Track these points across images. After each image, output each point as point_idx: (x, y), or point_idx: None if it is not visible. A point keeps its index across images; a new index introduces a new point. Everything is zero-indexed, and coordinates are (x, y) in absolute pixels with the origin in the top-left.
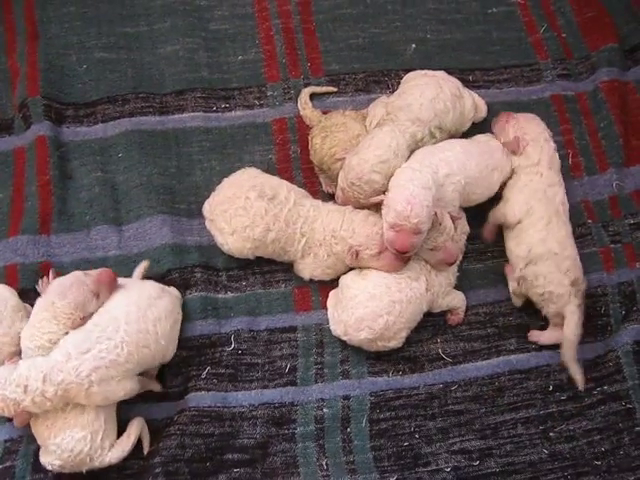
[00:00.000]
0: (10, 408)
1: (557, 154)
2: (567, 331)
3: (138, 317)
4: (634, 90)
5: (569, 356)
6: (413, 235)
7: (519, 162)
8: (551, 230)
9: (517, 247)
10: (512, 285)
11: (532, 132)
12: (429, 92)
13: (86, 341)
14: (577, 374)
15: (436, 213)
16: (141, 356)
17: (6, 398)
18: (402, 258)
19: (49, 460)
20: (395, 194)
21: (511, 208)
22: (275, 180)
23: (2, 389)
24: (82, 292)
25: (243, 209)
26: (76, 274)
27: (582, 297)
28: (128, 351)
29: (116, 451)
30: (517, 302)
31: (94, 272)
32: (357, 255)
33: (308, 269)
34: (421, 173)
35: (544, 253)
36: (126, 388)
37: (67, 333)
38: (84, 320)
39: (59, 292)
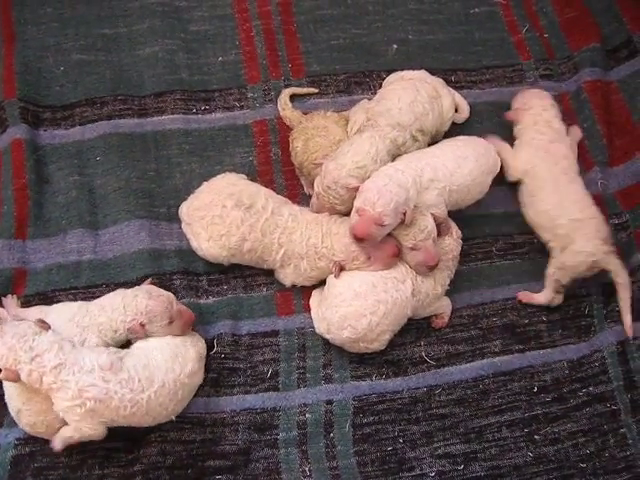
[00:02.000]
0: (8, 360)
1: (559, 120)
2: (619, 279)
3: (169, 392)
4: (617, 90)
5: (625, 300)
6: (374, 224)
7: (521, 125)
8: (562, 191)
9: (537, 216)
10: (548, 289)
11: (530, 103)
12: (406, 96)
13: (114, 374)
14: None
15: (405, 213)
16: (138, 419)
17: (13, 349)
18: (393, 253)
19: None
20: (370, 182)
21: (514, 162)
22: (254, 188)
23: (17, 340)
24: (163, 307)
25: (219, 217)
26: (170, 295)
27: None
28: (134, 412)
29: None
30: (557, 300)
31: (185, 307)
32: (342, 268)
33: (289, 278)
34: (403, 174)
35: (566, 224)
36: (97, 431)
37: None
38: (142, 329)
39: (148, 291)
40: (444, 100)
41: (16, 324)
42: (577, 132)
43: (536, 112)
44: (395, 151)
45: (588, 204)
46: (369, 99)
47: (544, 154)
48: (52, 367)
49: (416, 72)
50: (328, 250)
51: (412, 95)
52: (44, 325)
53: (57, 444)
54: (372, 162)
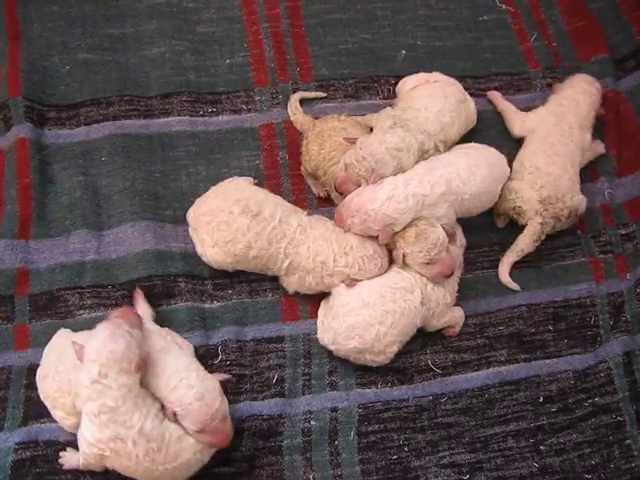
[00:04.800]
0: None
1: (590, 107)
2: (520, 240)
3: (182, 472)
4: (625, 100)
5: (506, 263)
6: (343, 221)
7: (553, 96)
8: (545, 144)
9: (516, 164)
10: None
11: (575, 82)
12: (433, 105)
13: (147, 442)
14: (509, 283)
15: (378, 237)
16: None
17: (102, 357)
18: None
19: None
20: (376, 191)
21: (521, 120)
22: (262, 195)
23: (110, 356)
24: (203, 417)
25: (225, 224)
26: (221, 410)
27: (554, 217)
28: (136, 474)
29: None
30: (498, 222)
31: (224, 428)
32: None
33: (293, 287)
34: (407, 198)
35: (527, 167)
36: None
37: None
38: (173, 417)
39: (203, 393)
40: (470, 103)
41: (134, 350)
42: (600, 147)
43: (573, 92)
44: (420, 154)
45: (559, 163)
46: (390, 105)
47: (553, 118)
48: (104, 404)
49: (435, 74)
50: (350, 269)
51: (440, 103)
52: (142, 368)
53: (66, 465)
54: (407, 150)
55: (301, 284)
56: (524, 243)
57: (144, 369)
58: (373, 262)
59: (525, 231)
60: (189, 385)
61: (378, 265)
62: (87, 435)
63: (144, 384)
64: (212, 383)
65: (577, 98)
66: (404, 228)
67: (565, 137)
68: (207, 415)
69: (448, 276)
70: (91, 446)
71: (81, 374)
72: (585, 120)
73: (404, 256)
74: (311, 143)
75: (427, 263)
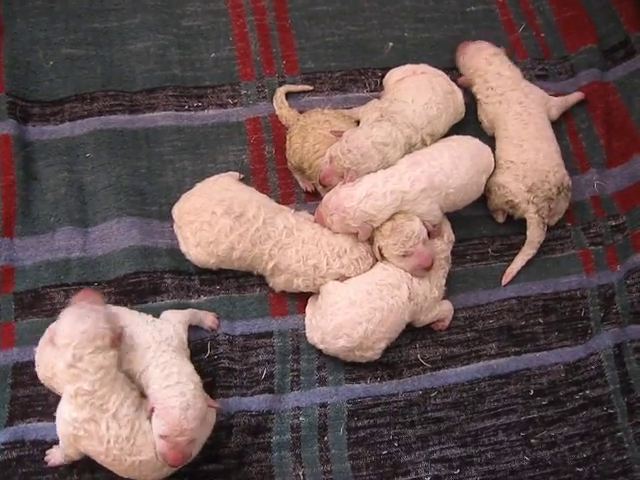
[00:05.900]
0: (66, 340)
1: (508, 65)
2: (530, 234)
3: (154, 466)
4: (614, 91)
5: (522, 258)
6: (324, 210)
7: (475, 88)
8: (508, 135)
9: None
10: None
11: (472, 64)
12: (421, 97)
13: (119, 427)
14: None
15: (356, 234)
16: (113, 469)
17: (76, 341)
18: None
19: None
20: (355, 186)
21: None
22: (246, 194)
23: (84, 337)
24: (177, 428)
25: (208, 224)
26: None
27: (546, 199)
28: (112, 464)
29: None
30: (498, 218)
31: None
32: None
33: (279, 287)
34: (385, 196)
35: (502, 163)
36: (73, 453)
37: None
38: (150, 413)
39: (186, 406)
40: (457, 94)
41: (103, 325)
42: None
43: (482, 71)
44: (407, 148)
45: (528, 147)
46: (377, 97)
47: (499, 105)
48: (80, 388)
49: (422, 66)
50: (346, 270)
51: (427, 95)
52: (117, 343)
53: (51, 461)
54: (393, 145)
55: (288, 285)
56: (535, 235)
57: (119, 343)
58: (367, 262)
59: (529, 225)
60: (182, 392)
61: (371, 264)
62: (64, 413)
63: (142, 375)
64: (203, 404)
65: (493, 71)
66: (383, 223)
67: (521, 117)
68: (178, 427)
69: (427, 269)
70: (67, 424)
71: (57, 359)
72: (517, 79)
73: (380, 249)
74: (294, 137)
75: (403, 255)
